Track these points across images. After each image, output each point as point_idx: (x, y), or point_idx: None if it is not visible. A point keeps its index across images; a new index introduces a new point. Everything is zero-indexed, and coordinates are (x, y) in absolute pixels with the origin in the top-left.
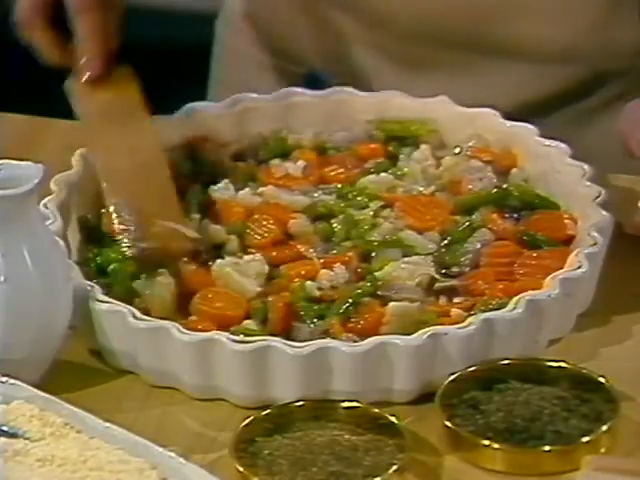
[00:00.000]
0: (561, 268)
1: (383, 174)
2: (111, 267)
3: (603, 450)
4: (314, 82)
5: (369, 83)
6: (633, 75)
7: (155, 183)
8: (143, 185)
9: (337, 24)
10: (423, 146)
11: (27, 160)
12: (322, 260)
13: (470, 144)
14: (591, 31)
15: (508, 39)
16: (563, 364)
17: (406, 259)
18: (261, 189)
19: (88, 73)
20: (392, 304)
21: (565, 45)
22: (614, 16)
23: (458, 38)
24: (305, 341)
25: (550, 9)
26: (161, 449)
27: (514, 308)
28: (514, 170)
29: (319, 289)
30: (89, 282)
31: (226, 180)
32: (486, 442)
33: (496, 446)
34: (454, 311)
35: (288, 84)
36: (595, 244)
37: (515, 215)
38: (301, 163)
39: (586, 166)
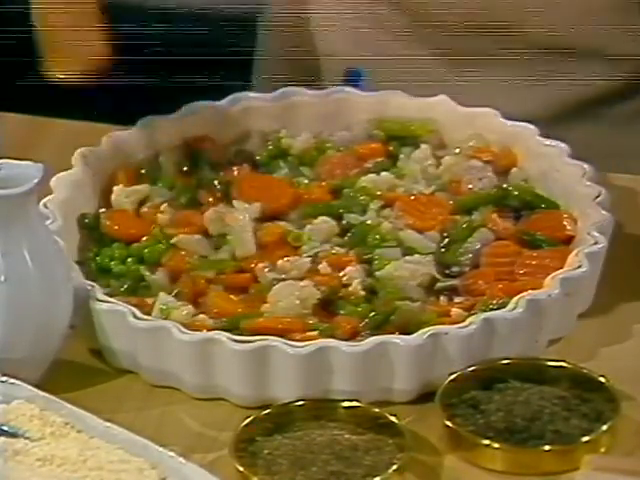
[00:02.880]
0: (561, 268)
1: (383, 174)
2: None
3: (603, 450)
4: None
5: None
6: None
7: None
8: None
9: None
10: (423, 146)
11: (27, 160)
12: (325, 260)
13: (470, 144)
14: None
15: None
16: (563, 364)
17: (407, 258)
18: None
19: None
20: None
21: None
22: None
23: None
24: None
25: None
26: (161, 449)
27: (514, 308)
28: (514, 170)
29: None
30: (89, 282)
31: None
32: (486, 442)
33: (496, 446)
34: (454, 311)
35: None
36: (595, 244)
37: (515, 215)
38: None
39: (586, 166)
